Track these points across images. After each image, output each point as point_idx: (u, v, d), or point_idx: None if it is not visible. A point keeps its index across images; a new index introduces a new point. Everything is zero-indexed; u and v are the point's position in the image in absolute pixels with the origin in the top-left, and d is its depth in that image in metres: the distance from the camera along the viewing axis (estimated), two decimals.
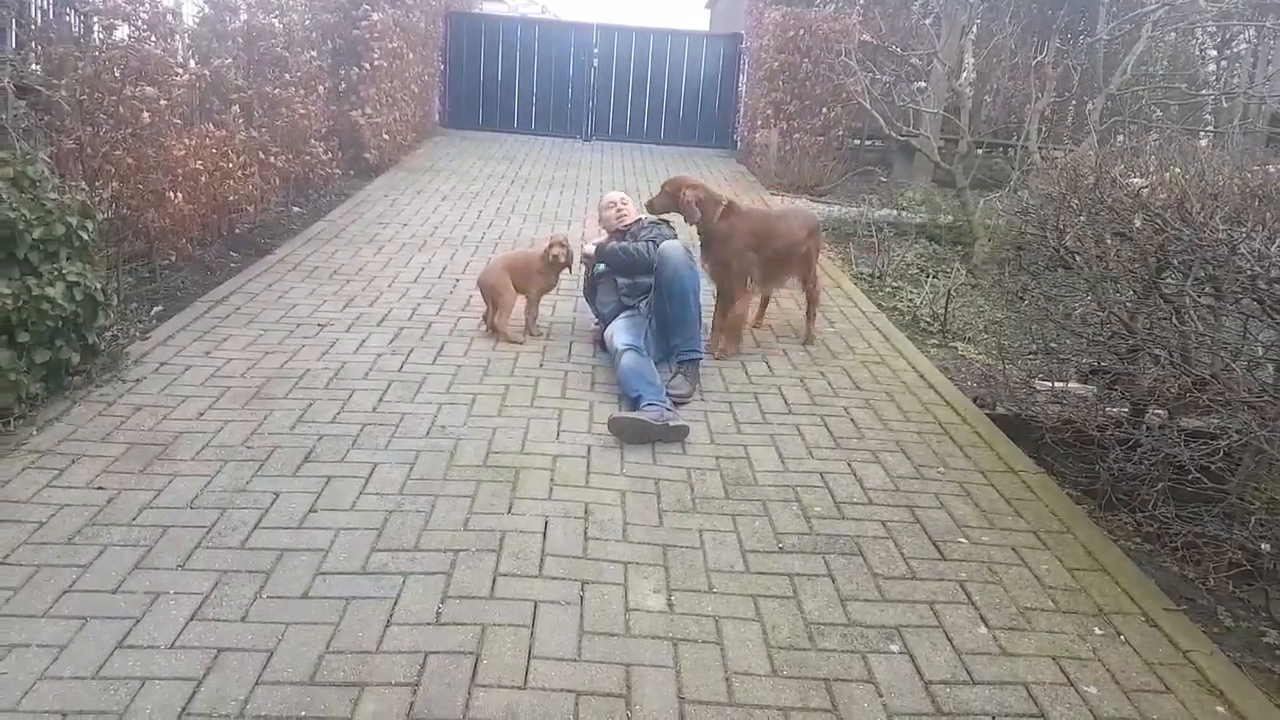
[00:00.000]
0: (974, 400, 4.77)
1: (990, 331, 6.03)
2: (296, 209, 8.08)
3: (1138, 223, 3.48)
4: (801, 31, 12.09)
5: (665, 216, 5.37)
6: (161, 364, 4.46)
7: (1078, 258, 4.15)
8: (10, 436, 3.58)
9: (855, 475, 3.81)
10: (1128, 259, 3.84)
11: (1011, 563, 3.22)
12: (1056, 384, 4.34)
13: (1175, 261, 3.66)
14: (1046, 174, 4.45)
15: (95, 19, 4.83)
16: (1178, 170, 3.67)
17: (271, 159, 7.32)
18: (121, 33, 5.12)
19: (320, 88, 8.63)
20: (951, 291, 6.62)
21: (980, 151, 11.39)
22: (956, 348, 5.86)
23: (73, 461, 3.46)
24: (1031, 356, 4.63)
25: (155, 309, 5.26)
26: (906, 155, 12.23)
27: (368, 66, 9.75)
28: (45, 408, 3.84)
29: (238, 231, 6.95)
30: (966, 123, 9.32)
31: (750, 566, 3.08)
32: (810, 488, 3.67)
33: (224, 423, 3.88)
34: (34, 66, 4.54)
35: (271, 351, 4.73)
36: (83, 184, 4.20)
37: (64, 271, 3.80)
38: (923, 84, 12.03)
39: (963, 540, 3.35)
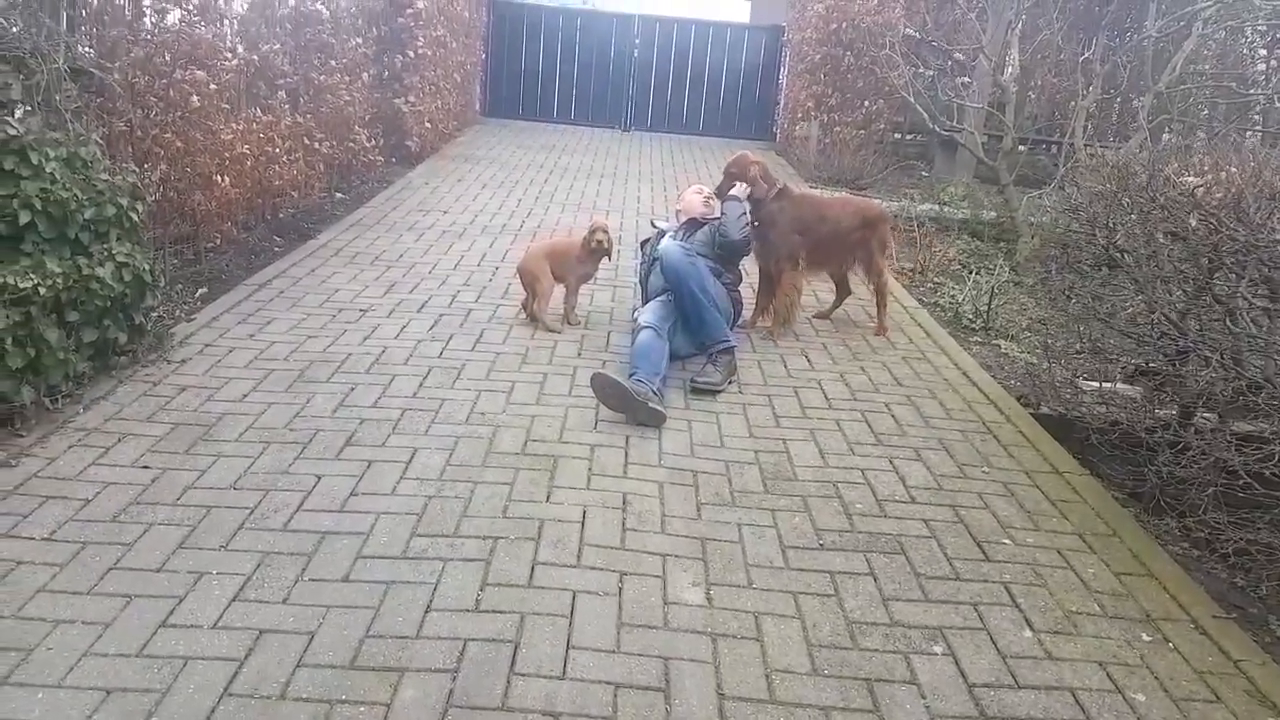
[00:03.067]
0: (1018, 399, 4.70)
1: (1035, 330, 5.95)
2: (340, 195, 8.13)
3: (1193, 222, 3.40)
4: (845, 24, 11.96)
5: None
6: (206, 345, 4.50)
7: (1127, 256, 4.07)
8: (57, 414, 3.63)
9: (898, 472, 3.77)
10: (1179, 258, 3.75)
11: (1057, 565, 3.17)
12: (1104, 384, 4.25)
13: (1229, 262, 3.58)
14: (1096, 171, 4.35)
15: (147, 3, 4.87)
16: (1234, 170, 3.58)
17: (316, 145, 7.37)
18: (173, 17, 5.16)
19: (365, 75, 8.67)
20: (995, 288, 6.52)
21: (1024, 149, 11.20)
22: (1000, 345, 5.78)
23: (118, 440, 3.51)
24: (1078, 355, 4.55)
25: (200, 291, 5.31)
26: (948, 150, 12.09)
27: (411, 55, 9.78)
28: (91, 386, 3.89)
29: (281, 216, 7.01)
30: (1011, 119, 9.15)
31: (790, 563, 3.05)
32: (851, 484, 3.63)
33: (267, 405, 3.91)
34: (87, 49, 4.58)
35: (314, 335, 4.76)
36: (133, 166, 4.24)
37: (114, 252, 3.84)
38: (966, 79, 11.86)
39: (1007, 541, 3.30)
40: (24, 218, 3.47)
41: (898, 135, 13.36)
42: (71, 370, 3.72)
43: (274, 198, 6.78)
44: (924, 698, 2.45)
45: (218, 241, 5.97)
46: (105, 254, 3.81)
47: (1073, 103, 9.92)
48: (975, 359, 5.32)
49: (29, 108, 3.77)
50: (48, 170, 3.56)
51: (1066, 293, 4.45)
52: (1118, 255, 4.04)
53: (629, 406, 3.98)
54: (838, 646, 2.63)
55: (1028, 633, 2.77)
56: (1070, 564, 3.18)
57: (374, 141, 8.76)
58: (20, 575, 2.67)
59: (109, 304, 3.85)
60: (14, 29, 3.74)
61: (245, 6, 6.52)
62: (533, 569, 2.88)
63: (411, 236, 6.97)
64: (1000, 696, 2.48)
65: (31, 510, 2.99)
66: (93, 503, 3.07)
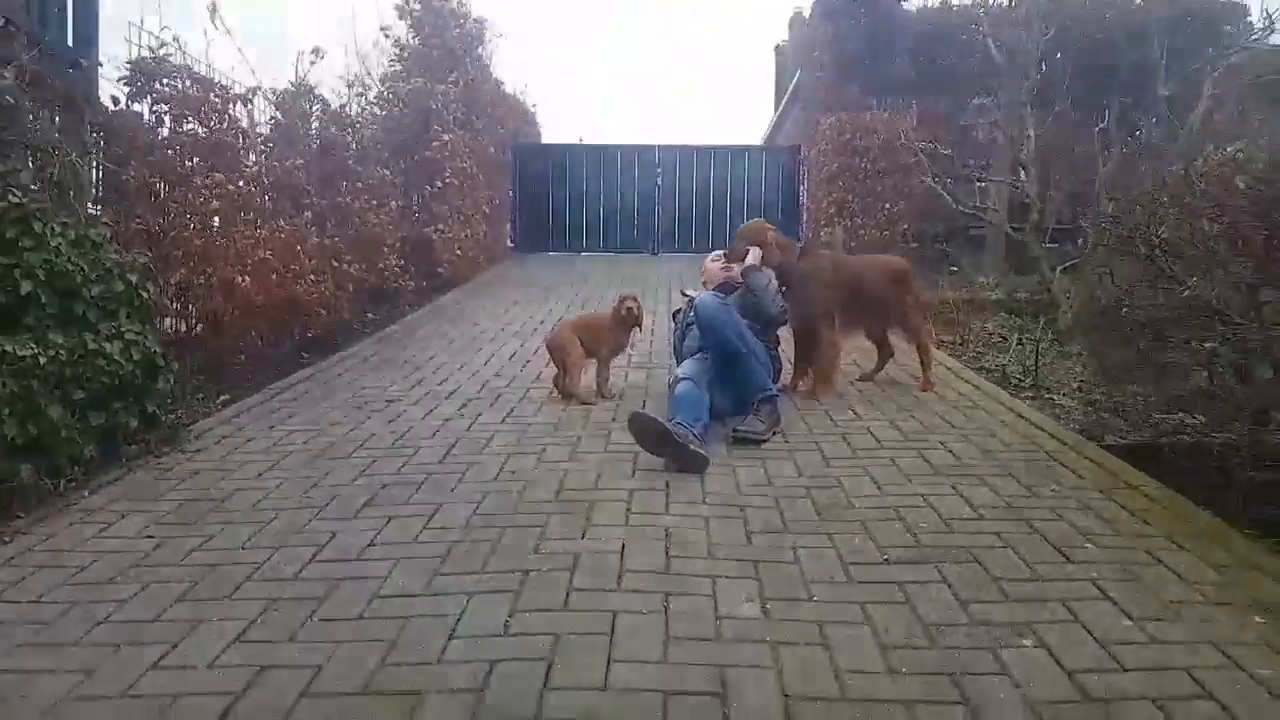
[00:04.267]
0: (1079, 433, 4.38)
1: (1086, 390, 5.57)
2: (370, 315, 8.13)
3: (1241, 184, 3.15)
4: (858, 134, 12.15)
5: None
6: (223, 438, 4.35)
7: (1175, 260, 3.80)
8: (60, 498, 3.43)
9: (961, 496, 3.45)
10: (1225, 237, 3.47)
11: (1147, 564, 2.81)
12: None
13: None
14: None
15: (166, 108, 4.96)
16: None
17: (345, 266, 7.39)
18: (191, 126, 5.24)
19: (393, 203, 8.81)
20: (1040, 348, 6.24)
21: (1054, 245, 10.93)
22: (1053, 399, 5.45)
23: (122, 517, 3.30)
24: (1138, 373, 4.19)
25: (221, 398, 5.20)
26: (974, 248, 11.99)
27: (439, 184, 9.97)
28: (99, 473, 3.70)
29: (310, 335, 6.96)
30: (1036, 191, 9.08)
31: (854, 577, 2.73)
32: (913, 508, 3.32)
33: (283, 479, 3.72)
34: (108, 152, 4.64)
35: (336, 423, 4.60)
36: (146, 251, 4.20)
37: (122, 329, 3.74)
38: (982, 184, 11.83)
39: (1089, 546, 2.96)
40: (25, 287, 3.37)
41: (915, 245, 13.18)
42: (77, 452, 3.56)
43: (302, 315, 6.75)
44: (1019, 687, 2.10)
45: (242, 358, 5.89)
46: (113, 331, 3.71)
47: (1088, 206, 9.82)
48: (1029, 407, 5.02)
49: (37, 186, 3.74)
50: (52, 243, 3.50)
51: (1120, 304, 4.12)
52: (1166, 261, 3.77)
53: (669, 448, 3.73)
54: (915, 647, 2.30)
55: (1126, 621, 2.42)
56: (1162, 561, 2.83)
57: (403, 268, 8.81)
58: None
59: (118, 383, 3.72)
60: (28, 117, 3.77)
61: (269, 129, 6.68)
62: (568, 595, 2.61)
63: (441, 344, 6.90)
64: (1106, 680, 2.13)
65: (20, 579, 2.77)
66: (88, 569, 2.85)
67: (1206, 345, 3.55)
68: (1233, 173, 3.28)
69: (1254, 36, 9.50)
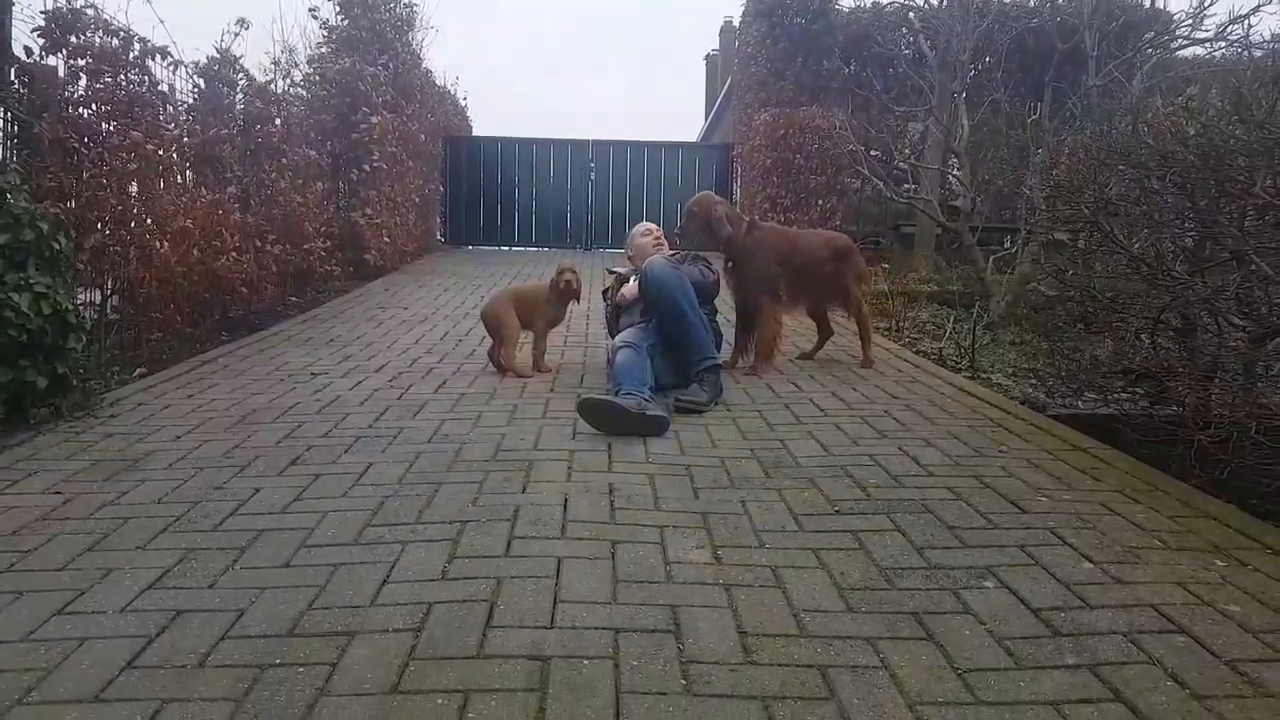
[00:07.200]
0: (1021, 403, 4.39)
1: (1021, 374, 5.63)
2: (294, 299, 7.85)
3: (1191, 130, 3.16)
4: (792, 130, 12.19)
5: (699, 252, 5.14)
6: (139, 405, 4.11)
7: (1119, 213, 3.80)
8: None
9: (909, 455, 3.40)
10: (1180, 186, 3.46)
11: (1102, 514, 2.79)
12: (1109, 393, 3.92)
13: (1241, 163, 3.24)
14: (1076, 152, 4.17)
15: (82, 60, 4.66)
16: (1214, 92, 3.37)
17: (268, 247, 7.10)
18: (107, 81, 4.94)
19: (319, 184, 8.53)
20: (976, 330, 6.29)
21: (976, 244, 11.16)
22: (989, 378, 5.48)
23: (29, 475, 3.07)
24: (1079, 352, 4.23)
25: (138, 370, 4.94)
26: (904, 245, 12.14)
27: (367, 168, 9.67)
28: (3, 435, 3.47)
29: (231, 315, 6.68)
30: (968, 178, 9.20)
31: (805, 527, 2.65)
32: (861, 466, 3.26)
33: (202, 441, 3.51)
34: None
35: (259, 393, 4.38)
36: (57, 206, 3.94)
37: (31, 281, 3.50)
38: (910, 186, 11.98)
39: (1043, 499, 2.92)
40: None
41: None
42: None
43: (224, 293, 6.47)
44: (984, 624, 2.03)
45: (159, 335, 5.60)
46: (21, 282, 3.47)
47: (1025, 183, 10.02)
48: (970, 382, 5.02)
49: None
50: None
51: (1064, 272, 4.15)
52: (1109, 221, 3.79)
53: (624, 423, 3.61)
54: (873, 588, 2.22)
55: (1088, 564, 2.38)
56: (1116, 512, 2.81)
57: (329, 252, 8.52)
58: None
59: (27, 337, 3.47)
60: None
61: (193, 97, 6.38)
62: (509, 543, 2.47)
63: (370, 325, 6.67)
64: (1074, 616, 2.07)
65: None
66: None
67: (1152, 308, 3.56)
68: (1185, 119, 3.27)
69: (1186, 23, 9.78)
